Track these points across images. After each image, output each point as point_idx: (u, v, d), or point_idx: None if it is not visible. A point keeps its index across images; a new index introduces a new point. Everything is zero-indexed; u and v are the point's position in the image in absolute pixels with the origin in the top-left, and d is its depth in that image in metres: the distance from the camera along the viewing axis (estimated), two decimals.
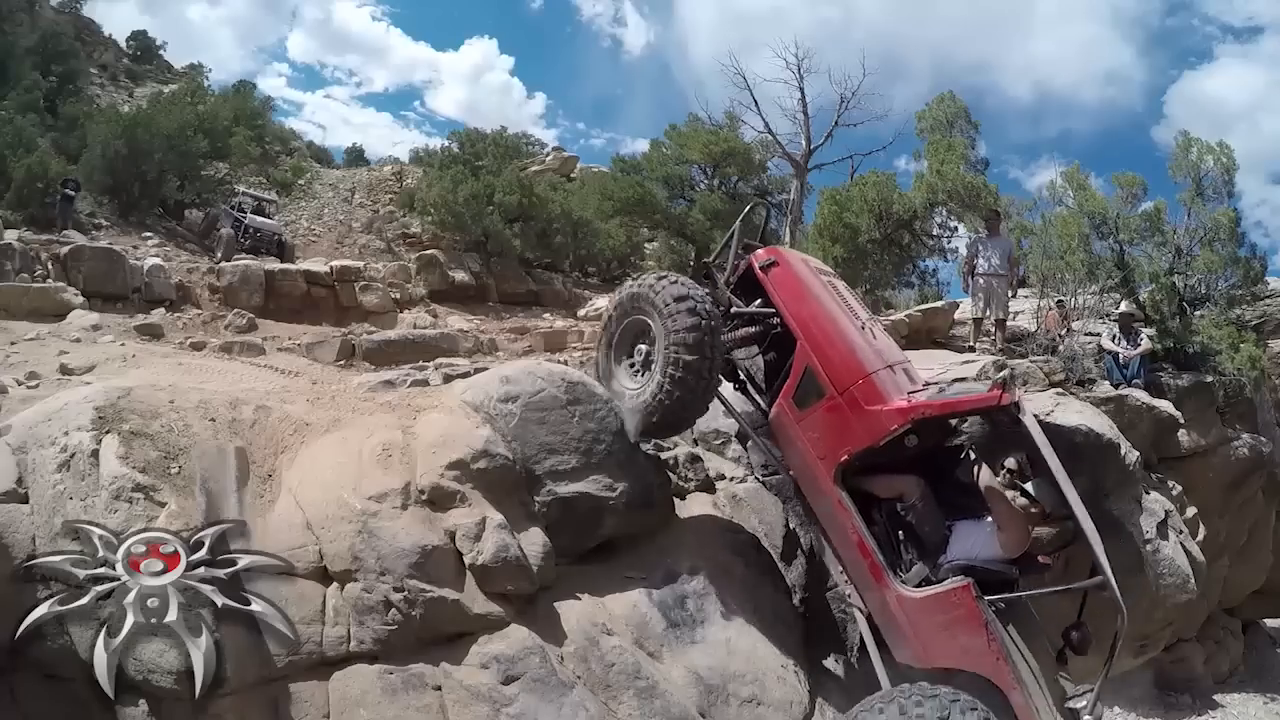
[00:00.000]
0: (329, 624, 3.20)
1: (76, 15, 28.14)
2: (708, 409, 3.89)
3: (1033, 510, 3.54)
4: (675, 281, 3.65)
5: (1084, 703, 3.36)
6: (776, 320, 3.79)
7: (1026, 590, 3.51)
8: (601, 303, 14.01)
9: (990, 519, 3.43)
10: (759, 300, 3.90)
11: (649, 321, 3.72)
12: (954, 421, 3.92)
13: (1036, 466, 3.60)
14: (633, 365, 3.98)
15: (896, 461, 3.54)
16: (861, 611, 3.74)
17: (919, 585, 3.42)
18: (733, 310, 3.96)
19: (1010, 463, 3.87)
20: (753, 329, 3.89)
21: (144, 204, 16.66)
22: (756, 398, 4.10)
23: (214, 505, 3.31)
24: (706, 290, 3.78)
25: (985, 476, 3.51)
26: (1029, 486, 3.65)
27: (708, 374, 3.57)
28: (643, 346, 3.88)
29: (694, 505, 4.91)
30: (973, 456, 3.74)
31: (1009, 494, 3.58)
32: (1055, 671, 3.62)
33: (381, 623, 3.22)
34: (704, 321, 3.52)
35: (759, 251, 3.98)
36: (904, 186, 13.33)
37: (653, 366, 3.71)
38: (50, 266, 11.35)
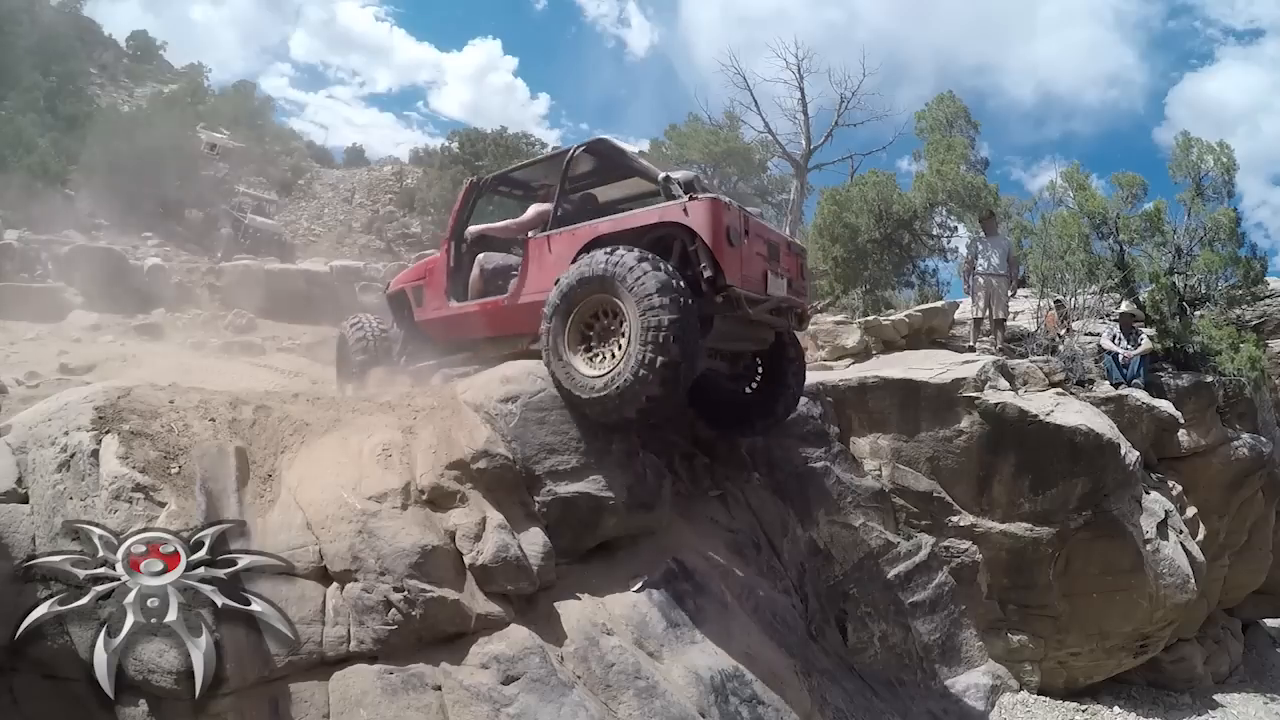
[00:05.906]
0: (329, 624, 3.20)
1: (77, 15, 28.14)
2: None
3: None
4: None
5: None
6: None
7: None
8: None
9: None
10: None
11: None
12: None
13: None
14: None
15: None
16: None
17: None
18: None
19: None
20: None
21: (144, 204, 16.67)
22: None
23: (214, 505, 3.30)
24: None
25: (473, 229, 5.18)
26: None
27: None
28: None
29: (694, 505, 4.91)
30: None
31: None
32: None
33: (381, 623, 3.22)
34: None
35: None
36: (904, 186, 13.34)
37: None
38: (50, 266, 11.36)
